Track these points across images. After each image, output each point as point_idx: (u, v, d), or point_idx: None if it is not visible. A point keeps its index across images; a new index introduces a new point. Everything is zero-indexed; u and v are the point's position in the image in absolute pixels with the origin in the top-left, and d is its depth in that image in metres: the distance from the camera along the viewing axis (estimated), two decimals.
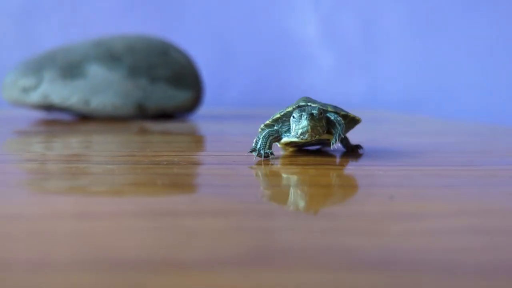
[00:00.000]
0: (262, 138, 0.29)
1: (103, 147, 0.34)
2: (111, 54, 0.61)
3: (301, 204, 0.19)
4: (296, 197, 0.20)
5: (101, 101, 0.59)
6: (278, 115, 0.30)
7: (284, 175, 0.24)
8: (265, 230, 0.15)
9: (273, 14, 0.94)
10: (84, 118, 0.62)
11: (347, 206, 0.18)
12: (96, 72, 0.59)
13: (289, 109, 0.30)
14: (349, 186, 0.22)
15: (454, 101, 0.96)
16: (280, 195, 0.20)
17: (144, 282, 0.11)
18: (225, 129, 0.49)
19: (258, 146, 0.29)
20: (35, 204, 0.18)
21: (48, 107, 0.60)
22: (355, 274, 0.12)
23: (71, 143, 0.36)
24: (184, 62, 0.64)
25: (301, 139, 0.29)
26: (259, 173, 0.25)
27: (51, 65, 0.60)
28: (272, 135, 0.30)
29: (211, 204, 0.18)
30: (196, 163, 0.28)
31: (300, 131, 0.28)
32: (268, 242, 0.14)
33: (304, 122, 0.28)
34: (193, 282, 0.11)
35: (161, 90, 0.61)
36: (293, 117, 0.28)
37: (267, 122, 0.30)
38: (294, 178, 0.24)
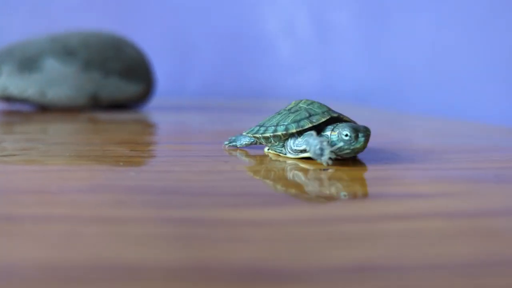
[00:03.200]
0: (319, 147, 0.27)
1: (53, 134, 0.43)
2: (66, 49, 0.69)
3: (197, 167, 0.28)
4: (190, 164, 0.29)
5: (56, 93, 0.68)
6: (308, 125, 0.28)
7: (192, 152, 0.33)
8: (148, 178, 0.24)
9: (232, 8, 1.03)
10: (41, 109, 0.70)
11: (252, 170, 0.27)
12: (52, 66, 0.68)
13: (322, 119, 0.28)
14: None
15: (402, 94, 1.05)
16: (176, 162, 0.29)
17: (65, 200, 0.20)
18: (171, 119, 0.57)
19: (325, 156, 0.26)
20: None
21: (7, 99, 0.68)
22: (213, 211, 0.21)
23: (27, 129, 0.45)
24: (136, 56, 0.72)
25: (338, 157, 0.28)
26: (159, 149, 0.34)
27: (9, 59, 0.68)
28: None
29: (98, 166, 0.27)
30: (115, 143, 0.36)
31: (348, 151, 0.27)
32: (148, 183, 0.23)
33: (361, 144, 0.27)
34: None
35: (114, 83, 0.69)
36: (347, 135, 0.27)
37: (293, 130, 0.28)
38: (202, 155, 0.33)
